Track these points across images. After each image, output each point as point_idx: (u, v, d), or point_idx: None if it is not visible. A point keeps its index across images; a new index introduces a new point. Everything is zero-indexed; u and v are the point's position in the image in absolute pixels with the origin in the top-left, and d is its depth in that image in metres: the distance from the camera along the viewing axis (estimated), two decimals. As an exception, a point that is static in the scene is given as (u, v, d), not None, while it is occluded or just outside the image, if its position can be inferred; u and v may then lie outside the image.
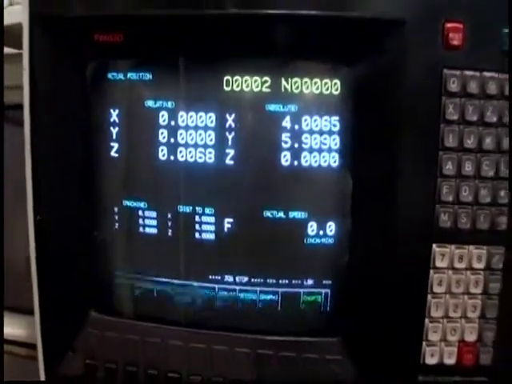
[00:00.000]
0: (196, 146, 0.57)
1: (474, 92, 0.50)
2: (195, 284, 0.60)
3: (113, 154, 0.60)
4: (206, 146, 0.57)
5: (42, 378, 0.65)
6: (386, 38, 0.50)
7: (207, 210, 0.58)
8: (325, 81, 0.54)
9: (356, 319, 0.56)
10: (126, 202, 0.61)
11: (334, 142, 0.55)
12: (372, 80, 0.52)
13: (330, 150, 0.55)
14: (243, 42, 0.53)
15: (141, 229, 0.61)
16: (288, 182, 0.56)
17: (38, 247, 0.62)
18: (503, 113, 0.50)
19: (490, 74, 0.50)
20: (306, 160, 0.55)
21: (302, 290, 0.58)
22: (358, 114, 0.53)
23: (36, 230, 0.62)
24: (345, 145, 0.55)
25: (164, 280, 0.61)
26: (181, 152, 0.58)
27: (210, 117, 0.56)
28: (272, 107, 0.55)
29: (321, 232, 0.56)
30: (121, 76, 0.58)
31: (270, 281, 0.58)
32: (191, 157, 0.57)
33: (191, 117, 0.57)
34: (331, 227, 0.56)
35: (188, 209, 0.59)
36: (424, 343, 0.54)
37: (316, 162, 0.55)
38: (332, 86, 0.54)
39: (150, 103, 0.58)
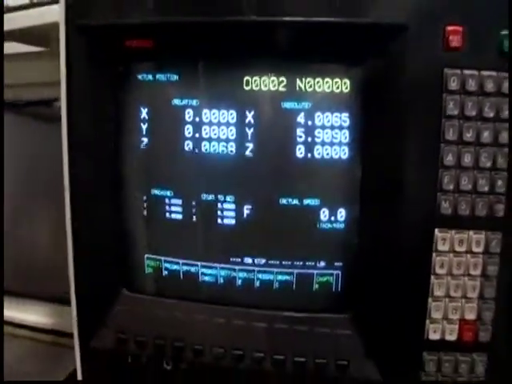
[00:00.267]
0: (218, 140, 0.64)
1: (472, 90, 0.56)
2: (217, 265, 0.67)
3: (142, 147, 0.68)
4: (227, 140, 0.64)
5: (78, 352, 0.73)
6: (391, 41, 0.56)
7: (228, 198, 0.65)
8: (335, 80, 0.60)
9: (364, 298, 0.62)
10: (154, 191, 0.68)
11: (344, 136, 0.61)
12: (378, 79, 0.58)
13: (340, 144, 0.62)
14: (261, 45, 0.60)
15: (167, 215, 0.68)
16: (302, 173, 0.63)
17: (75, 231, 0.69)
18: (500, 108, 0.56)
19: (488, 72, 0.56)
20: (319, 152, 0.62)
21: (315, 272, 0.65)
22: (365, 111, 0.60)
23: (72, 216, 0.69)
24: (354, 139, 0.61)
25: (189, 261, 0.68)
26: (204, 145, 0.65)
27: (232, 113, 0.63)
28: (287, 105, 0.62)
29: (332, 218, 0.63)
30: (150, 77, 0.66)
31: (285, 262, 0.65)
32: (214, 150, 0.64)
33: (214, 114, 0.64)
34: (342, 213, 0.63)
35: (210, 197, 0.66)
36: (427, 320, 0.60)
37: (328, 154, 0.62)
38: (342, 85, 0.60)
39: (176, 101, 0.65)
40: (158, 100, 0.66)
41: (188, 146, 0.65)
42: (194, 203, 0.67)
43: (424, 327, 0.60)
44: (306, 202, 0.63)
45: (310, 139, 0.62)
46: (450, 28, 0.55)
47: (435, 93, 0.56)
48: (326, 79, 0.61)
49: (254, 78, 0.62)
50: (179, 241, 0.69)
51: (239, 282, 0.67)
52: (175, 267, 0.69)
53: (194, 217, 0.67)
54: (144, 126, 0.67)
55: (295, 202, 0.63)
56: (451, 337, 0.60)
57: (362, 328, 0.62)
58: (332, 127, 0.61)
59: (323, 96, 0.61)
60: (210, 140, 0.64)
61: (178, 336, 0.67)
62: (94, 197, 0.69)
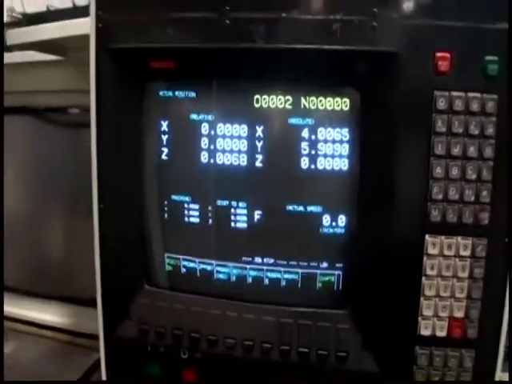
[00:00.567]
0: (231, 151, 0.74)
1: (459, 109, 0.64)
2: (230, 264, 0.77)
3: (163, 157, 0.78)
4: (239, 152, 0.73)
5: (102, 341, 0.83)
6: (385, 66, 0.64)
7: (240, 204, 0.75)
8: (336, 99, 0.69)
9: (363, 296, 0.71)
10: (174, 197, 0.79)
11: (344, 149, 0.70)
12: (374, 100, 0.67)
13: (341, 156, 0.70)
14: (270, 68, 0.69)
15: (186, 219, 0.78)
16: (306, 182, 0.72)
17: (101, 231, 0.79)
18: (484, 126, 0.64)
19: (474, 94, 0.64)
20: (322, 164, 0.71)
21: (318, 272, 0.74)
22: (363, 127, 0.69)
23: (99, 217, 0.79)
24: (353, 152, 0.70)
25: (205, 260, 0.78)
26: (219, 156, 0.74)
27: (243, 128, 0.73)
28: (293, 121, 0.71)
29: (333, 223, 0.72)
30: (170, 93, 0.76)
31: (291, 263, 0.74)
32: (227, 160, 0.74)
33: (227, 128, 0.73)
34: (342, 219, 0.72)
35: (225, 202, 0.76)
36: (419, 317, 0.68)
37: (329, 165, 0.71)
38: (342, 104, 0.69)
39: (193, 116, 0.75)
40: (177, 114, 0.76)
41: (204, 156, 0.75)
42: (209, 208, 0.77)
43: (416, 324, 0.69)
44: (310, 208, 0.72)
45: (313, 152, 0.71)
46: (439, 54, 0.63)
47: (425, 112, 0.65)
48: (328, 98, 0.70)
49: (264, 97, 0.71)
50: (196, 242, 0.79)
51: (250, 279, 0.76)
52: (192, 265, 0.79)
53: (210, 220, 0.77)
54: (164, 138, 0.77)
55: (300, 208, 0.72)
56: (441, 333, 0.69)
57: (361, 323, 0.71)
58: (333, 141, 0.71)
59: (325, 113, 0.70)
60: (223, 151, 0.74)
61: (194, 328, 0.76)
62: (120, 201, 0.79)
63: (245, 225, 0.75)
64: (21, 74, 1.40)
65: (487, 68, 0.63)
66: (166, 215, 0.80)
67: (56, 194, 1.51)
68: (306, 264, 0.74)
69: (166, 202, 0.79)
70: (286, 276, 0.75)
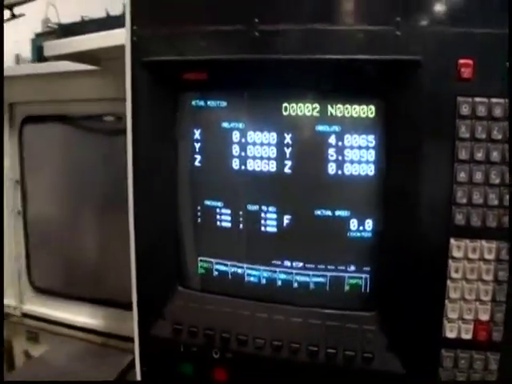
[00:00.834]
0: (261, 158, 0.79)
1: (482, 115, 0.68)
2: (261, 267, 0.83)
3: (196, 164, 0.84)
4: (269, 158, 0.79)
5: (137, 340, 0.90)
6: (409, 74, 0.69)
7: (270, 209, 0.80)
8: (362, 107, 0.74)
9: (389, 298, 0.75)
10: (207, 202, 0.85)
11: (370, 155, 0.75)
12: (399, 106, 0.71)
13: (367, 162, 0.75)
14: (298, 77, 0.75)
15: (218, 223, 0.84)
16: (334, 187, 0.77)
17: (136, 235, 0.86)
18: (507, 131, 0.68)
19: (496, 100, 0.68)
20: (348, 170, 0.76)
21: (346, 275, 0.78)
22: (388, 133, 0.73)
23: (135, 220, 0.86)
24: (379, 157, 0.75)
25: (236, 263, 0.84)
26: (249, 163, 0.80)
27: (272, 135, 0.78)
28: (320, 128, 0.76)
29: (361, 227, 0.77)
30: (202, 103, 0.82)
31: (320, 266, 0.79)
32: (258, 166, 0.80)
33: (257, 135, 0.79)
34: (369, 223, 0.77)
35: (255, 207, 0.81)
36: (445, 320, 0.72)
37: (356, 171, 0.76)
38: (368, 111, 0.74)
39: (225, 124, 0.81)
40: (209, 123, 0.83)
41: (235, 163, 0.81)
42: (241, 213, 0.83)
43: (442, 326, 0.73)
44: (338, 213, 0.77)
45: (340, 158, 0.76)
46: (461, 61, 0.67)
47: (449, 118, 0.69)
48: (354, 106, 0.75)
49: (292, 105, 0.77)
50: (228, 245, 0.85)
51: (279, 282, 0.82)
52: (224, 268, 0.85)
53: (241, 225, 0.83)
54: (197, 146, 0.84)
55: (328, 213, 0.77)
56: (467, 336, 0.72)
57: (387, 325, 0.75)
58: (359, 147, 0.75)
59: (351, 120, 0.75)
60: (254, 158, 0.80)
61: (225, 328, 0.82)
62: (155, 206, 0.86)
63: (274, 229, 0.81)
64: (58, 83, 1.49)
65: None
66: (199, 220, 0.86)
67: (91, 199, 1.60)
68: (333, 267, 0.79)
69: (199, 207, 0.86)
70: (315, 279, 0.80)
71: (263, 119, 0.80)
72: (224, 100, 0.81)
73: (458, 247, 0.71)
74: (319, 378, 0.78)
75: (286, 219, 0.80)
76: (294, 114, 0.77)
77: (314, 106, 0.76)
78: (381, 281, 0.77)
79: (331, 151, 0.76)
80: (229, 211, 0.83)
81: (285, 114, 0.77)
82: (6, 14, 1.50)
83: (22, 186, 1.68)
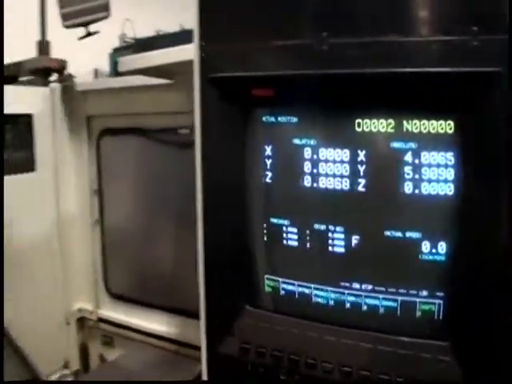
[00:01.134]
0: (334, 176, 0.77)
1: None
2: (328, 288, 0.79)
3: (267, 180, 0.82)
4: (342, 176, 0.76)
5: (204, 356, 0.89)
6: (490, 86, 0.64)
7: (338, 228, 0.77)
8: (440, 122, 0.70)
9: (465, 327, 0.70)
10: (273, 220, 0.83)
11: (449, 173, 0.70)
12: (480, 121, 0.66)
13: (445, 181, 0.70)
14: (371, 91, 0.71)
15: (284, 241, 0.82)
16: (407, 207, 0.73)
17: (206, 252, 0.86)
18: None
19: None
20: (426, 189, 0.71)
21: (418, 300, 0.74)
22: (469, 150, 0.68)
23: (204, 239, 0.86)
24: (459, 176, 0.70)
25: (303, 283, 0.81)
26: (321, 180, 0.78)
27: (345, 152, 0.75)
28: (396, 145, 0.72)
29: (433, 250, 0.72)
30: (272, 119, 0.81)
31: (390, 290, 0.75)
32: (330, 184, 0.77)
33: (330, 152, 0.76)
34: (442, 246, 0.72)
35: (322, 227, 0.78)
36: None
37: (434, 190, 0.71)
38: (446, 127, 0.69)
39: (296, 141, 0.79)
40: (280, 139, 0.81)
41: (307, 180, 0.79)
42: (307, 232, 0.80)
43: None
44: (409, 234, 0.72)
45: (417, 176, 0.72)
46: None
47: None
48: (431, 121, 0.70)
49: (365, 121, 0.73)
50: (295, 264, 0.83)
51: (348, 304, 0.78)
52: (291, 288, 0.83)
53: (308, 244, 0.80)
54: (268, 162, 0.82)
55: (398, 234, 0.73)
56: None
57: (462, 356, 0.70)
58: (438, 165, 0.71)
59: (429, 137, 0.71)
60: (326, 176, 0.77)
61: (293, 350, 0.80)
62: (223, 222, 0.85)
63: (342, 249, 0.77)
64: (134, 96, 1.53)
65: None
66: (265, 237, 0.84)
67: (166, 210, 1.63)
68: (405, 291, 0.74)
69: (265, 225, 0.84)
70: (385, 303, 0.76)
71: (335, 135, 0.77)
72: (295, 116, 0.79)
73: (542, 276, 0.65)
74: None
75: (355, 239, 0.76)
76: (367, 130, 0.74)
77: (388, 121, 0.72)
78: (455, 308, 0.72)
79: (407, 169, 0.72)
80: (295, 230, 0.81)
81: (358, 130, 0.74)
82: (82, 31, 1.55)
83: (99, 196, 1.73)
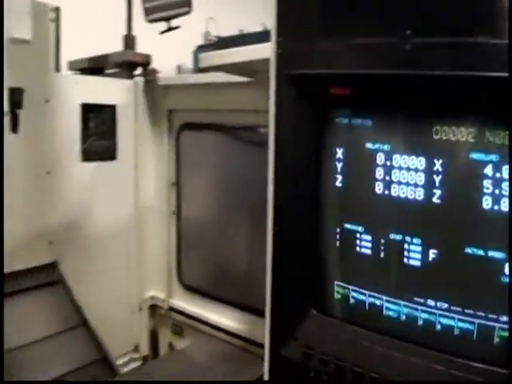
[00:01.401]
0: (407, 184, 0.72)
1: None
2: (401, 302, 0.75)
3: (337, 184, 0.79)
4: (416, 185, 0.71)
5: (267, 357, 0.87)
6: None
7: (415, 240, 0.72)
8: (527, 134, 0.63)
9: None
10: (347, 225, 0.79)
11: (537, 189, 0.63)
12: None
13: (532, 197, 0.63)
14: (452, 97, 0.66)
15: (357, 249, 0.78)
16: (488, 224, 0.66)
17: (274, 253, 0.84)
18: None
19: None
20: (506, 206, 0.65)
21: (496, 325, 0.67)
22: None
23: (273, 239, 0.84)
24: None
25: (374, 294, 0.77)
26: (394, 188, 0.73)
27: (420, 160, 0.70)
28: (475, 156, 0.66)
29: (518, 273, 0.65)
30: (346, 121, 0.77)
31: (467, 311, 0.69)
32: (403, 193, 0.72)
33: (404, 159, 0.72)
34: (529, 270, 0.65)
35: (398, 237, 0.74)
36: None
37: (517, 207, 0.64)
38: (533, 139, 0.62)
39: (369, 145, 0.75)
40: (352, 142, 0.77)
41: (379, 187, 0.74)
42: (382, 241, 0.76)
43: None
44: (491, 253, 0.66)
45: (497, 192, 0.65)
46: None
47: None
48: (518, 132, 0.63)
49: (444, 128, 0.68)
50: (367, 274, 0.79)
51: (420, 322, 0.73)
52: (361, 297, 0.79)
53: (382, 253, 0.76)
54: (339, 165, 0.79)
55: (480, 252, 0.67)
56: None
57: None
58: (521, 181, 0.64)
59: (512, 149, 0.64)
60: (399, 183, 0.72)
61: (358, 362, 0.76)
62: (293, 223, 0.82)
63: (418, 263, 0.72)
64: (214, 93, 1.53)
65: None
66: (337, 243, 0.81)
67: (243, 207, 1.62)
68: (483, 315, 0.68)
69: (338, 230, 0.80)
70: (461, 325, 0.70)
71: (411, 142, 0.72)
72: (369, 119, 0.75)
73: None
74: None
75: (432, 254, 0.71)
76: (445, 138, 0.68)
77: (469, 130, 0.67)
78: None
79: (487, 183, 0.66)
80: (369, 237, 0.77)
81: (435, 137, 0.69)
82: (163, 25, 1.57)
83: (177, 189, 1.75)
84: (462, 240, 0.68)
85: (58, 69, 1.65)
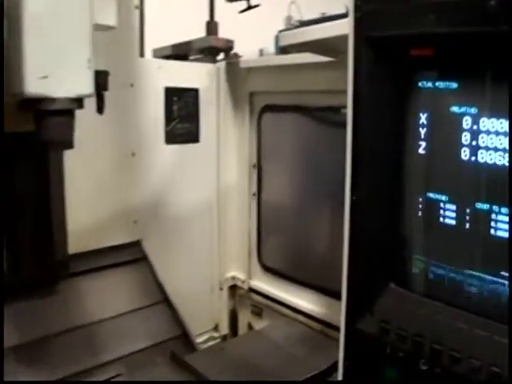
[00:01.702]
0: (496, 149, 0.67)
1: None
2: (486, 277, 0.70)
3: (420, 151, 0.75)
4: (504, 151, 0.66)
5: (342, 331, 0.85)
6: None
7: (503, 210, 0.67)
8: None
9: None
10: (429, 195, 0.75)
11: None
12: None
13: None
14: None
15: (441, 219, 0.74)
16: None
17: (351, 223, 0.81)
18: None
19: None
20: None
21: None
22: None
23: (351, 209, 0.81)
24: None
25: (456, 269, 0.73)
26: (481, 154, 0.68)
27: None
28: None
29: None
30: (430, 84, 0.73)
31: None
32: (491, 159, 0.67)
33: (492, 123, 0.67)
34: None
35: (485, 206, 0.69)
36: None
37: None
38: None
39: (454, 109, 0.70)
40: (436, 107, 0.73)
41: (465, 153, 0.70)
42: (467, 211, 0.71)
43: None
44: None
45: None
46: None
47: None
48: None
49: (538, 88, 0.62)
50: (449, 246, 0.75)
51: (505, 298, 0.68)
52: (441, 272, 0.75)
53: (467, 224, 0.71)
54: (422, 132, 0.75)
55: None
56: None
57: None
58: None
59: None
60: (487, 149, 0.68)
61: (437, 339, 0.72)
62: (372, 194, 0.80)
63: (506, 234, 0.67)
64: (295, 74, 1.52)
65: None
66: (419, 213, 0.77)
67: (323, 190, 1.59)
68: None
69: (420, 199, 0.77)
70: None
71: (499, 104, 0.66)
72: (454, 81, 0.70)
73: None
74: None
75: (522, 224, 0.66)
76: (541, 99, 0.62)
77: None
78: None
79: None
80: (454, 207, 0.73)
81: (529, 98, 0.63)
82: (243, 4, 1.57)
83: (258, 171, 1.76)
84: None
85: (142, 54, 1.70)
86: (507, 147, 0.65)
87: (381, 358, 0.78)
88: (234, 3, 1.65)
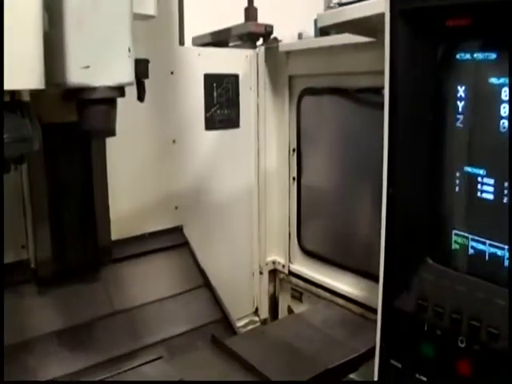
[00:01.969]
0: (537, 121, 0.65)
1: None
2: (526, 252, 0.68)
3: (458, 124, 0.74)
4: (544, 122, 0.64)
5: (379, 310, 0.84)
6: None
7: (544, 185, 0.65)
8: None
9: None
10: (467, 169, 0.74)
11: None
12: None
13: None
14: None
15: (478, 194, 0.73)
16: None
17: (389, 201, 0.81)
18: None
19: None
20: None
21: None
22: None
23: (388, 185, 0.81)
24: None
25: (496, 244, 0.72)
26: (520, 125, 0.66)
27: (552, 93, 0.63)
28: None
29: None
30: (468, 56, 0.71)
31: None
32: (529, 131, 0.65)
33: (532, 92, 0.65)
34: None
35: (524, 179, 0.67)
36: None
37: None
38: None
39: (493, 80, 0.68)
40: (474, 79, 0.71)
41: (504, 125, 0.68)
42: (506, 184, 0.70)
43: None
44: None
45: None
46: None
47: None
48: None
49: None
50: (488, 221, 0.73)
51: (546, 273, 0.66)
52: (481, 247, 0.74)
53: (505, 198, 0.70)
54: (460, 104, 0.73)
55: None
56: None
57: None
58: None
59: None
60: (525, 120, 0.66)
61: (475, 315, 0.71)
62: (410, 171, 0.79)
63: (547, 208, 0.65)
64: (334, 57, 1.50)
65: None
66: (456, 188, 0.76)
67: (364, 172, 1.57)
68: None
69: (457, 174, 0.76)
70: None
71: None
72: (493, 51, 0.68)
73: None
74: None
75: None
76: None
77: None
78: None
79: None
80: (492, 181, 0.71)
81: None
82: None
83: (298, 155, 1.76)
84: None
85: (182, 42, 1.72)
86: (547, 118, 0.63)
87: (418, 335, 0.78)
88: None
